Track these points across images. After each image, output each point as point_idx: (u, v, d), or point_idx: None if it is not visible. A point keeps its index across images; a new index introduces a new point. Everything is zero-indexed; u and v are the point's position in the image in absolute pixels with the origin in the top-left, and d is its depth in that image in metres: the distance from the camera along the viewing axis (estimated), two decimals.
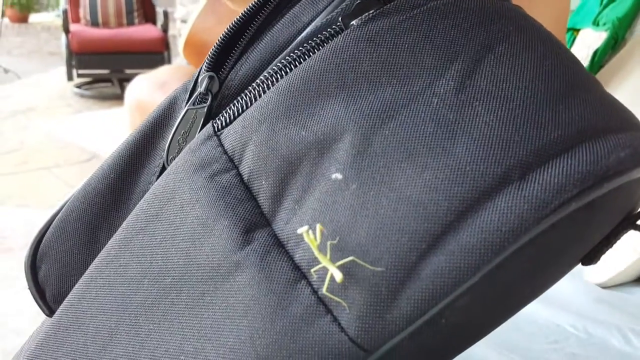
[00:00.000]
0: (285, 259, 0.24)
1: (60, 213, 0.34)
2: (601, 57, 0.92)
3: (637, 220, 0.26)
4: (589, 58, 0.93)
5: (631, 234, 0.27)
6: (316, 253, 0.23)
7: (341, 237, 0.23)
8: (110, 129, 2.99)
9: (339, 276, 0.22)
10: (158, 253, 0.28)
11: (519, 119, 0.22)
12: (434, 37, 0.25)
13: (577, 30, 1.02)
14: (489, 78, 0.23)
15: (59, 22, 4.26)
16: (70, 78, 3.77)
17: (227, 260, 0.25)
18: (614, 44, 0.90)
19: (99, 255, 0.31)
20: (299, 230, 0.23)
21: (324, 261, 0.23)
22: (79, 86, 3.85)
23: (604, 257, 0.27)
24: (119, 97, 3.30)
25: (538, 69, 0.23)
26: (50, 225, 0.35)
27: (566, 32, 0.76)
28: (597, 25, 0.95)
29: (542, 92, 0.23)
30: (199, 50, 0.74)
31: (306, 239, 0.23)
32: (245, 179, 0.27)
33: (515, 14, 0.26)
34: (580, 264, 0.28)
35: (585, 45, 0.97)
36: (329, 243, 0.23)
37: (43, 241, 0.35)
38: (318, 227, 0.23)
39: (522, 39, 0.24)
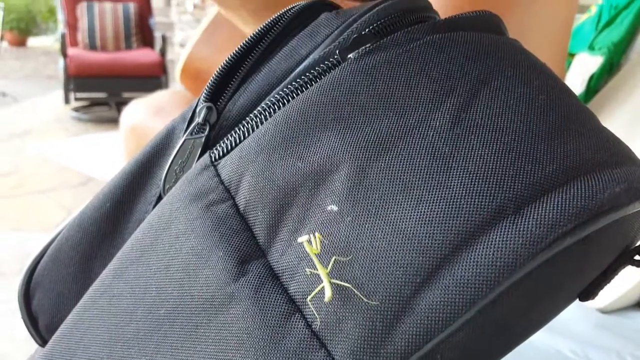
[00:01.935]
0: (280, 291, 0.24)
1: (55, 241, 0.34)
2: (597, 82, 0.92)
3: (634, 255, 0.25)
4: (585, 83, 0.94)
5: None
6: (316, 262, 0.23)
7: (336, 270, 0.23)
8: (107, 152, 3.00)
9: (328, 294, 0.22)
10: (152, 284, 0.28)
11: (513, 153, 0.22)
12: (430, 71, 0.25)
13: (573, 55, 1.03)
14: (484, 112, 0.23)
15: (58, 45, 4.29)
16: (67, 101, 3.79)
17: (222, 291, 0.25)
18: (609, 69, 0.91)
19: (93, 284, 0.31)
20: (300, 239, 0.24)
21: (322, 272, 0.23)
22: (76, 109, 3.87)
23: None
24: (115, 121, 3.31)
25: (533, 103, 0.24)
26: (44, 253, 0.35)
27: (566, 62, 0.77)
28: (593, 49, 0.96)
29: (536, 126, 0.23)
30: (195, 77, 0.75)
31: (306, 248, 0.23)
32: (241, 209, 0.27)
33: (511, 47, 0.26)
34: (578, 300, 0.27)
35: (581, 70, 0.98)
36: (334, 258, 0.23)
37: (37, 269, 0.35)
38: (317, 236, 0.23)
39: (517, 74, 0.25)
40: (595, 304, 0.86)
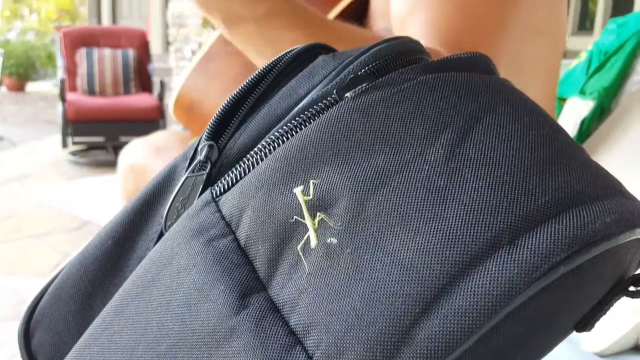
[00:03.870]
0: (281, 324, 0.24)
1: (56, 280, 0.34)
2: (589, 126, 0.94)
3: (628, 286, 0.26)
4: (577, 127, 0.96)
5: (625, 301, 0.27)
6: (305, 211, 0.25)
7: (336, 301, 0.23)
8: (103, 196, 3.00)
9: (314, 242, 0.24)
10: (153, 319, 0.28)
11: (507, 185, 0.23)
12: (424, 109, 0.26)
13: (564, 99, 1.05)
14: (477, 147, 0.24)
15: (56, 90, 4.34)
16: (65, 145, 3.81)
17: (223, 325, 0.25)
18: (600, 113, 0.93)
19: (94, 322, 0.31)
20: (295, 190, 0.26)
21: (309, 222, 0.25)
22: (73, 153, 3.89)
23: (600, 325, 0.27)
24: (113, 164, 3.32)
25: (524, 138, 0.25)
26: (45, 291, 0.35)
27: (555, 101, 0.79)
28: (584, 94, 0.98)
29: (529, 160, 0.24)
30: (189, 109, 0.75)
31: (299, 197, 0.25)
32: (242, 244, 0.27)
33: (501, 86, 0.27)
34: (575, 331, 0.28)
35: (573, 114, 1.00)
36: (319, 214, 0.25)
37: (37, 308, 0.35)
38: (312, 182, 0.26)
39: (508, 110, 0.26)
40: (593, 348, 0.86)
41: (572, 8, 4.46)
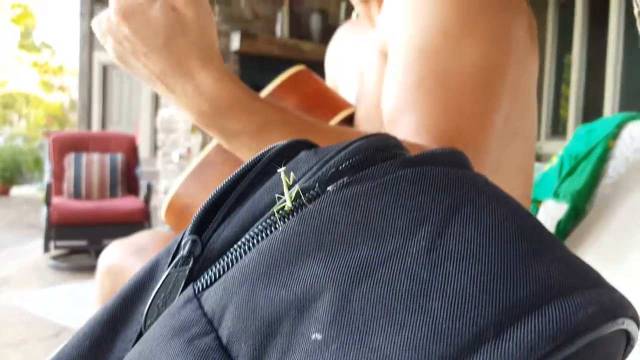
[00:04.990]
0: None
1: None
2: (565, 228, 0.95)
3: None
4: (554, 228, 0.97)
5: None
6: (285, 191, 0.29)
7: None
8: (83, 301, 2.92)
9: (288, 204, 0.28)
10: None
11: (488, 276, 0.23)
12: (404, 202, 0.27)
13: (540, 202, 1.07)
14: (457, 239, 0.25)
15: (42, 194, 4.34)
16: (46, 249, 3.75)
17: None
18: (575, 215, 0.95)
19: None
20: (279, 170, 0.30)
21: (287, 193, 0.29)
22: (54, 258, 3.82)
23: None
24: (94, 269, 3.26)
25: (502, 230, 0.25)
26: None
27: (531, 201, 0.80)
28: (558, 197, 1.01)
29: (508, 252, 0.24)
30: (181, 213, 0.75)
31: (283, 178, 0.30)
32: (224, 342, 0.26)
33: (477, 180, 0.28)
34: None
35: (548, 216, 1.02)
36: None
37: None
38: (292, 175, 0.30)
39: (484, 203, 0.26)
40: None
41: (544, 114, 4.67)
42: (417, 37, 0.60)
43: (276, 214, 0.29)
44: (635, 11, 1.19)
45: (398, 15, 0.64)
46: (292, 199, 0.29)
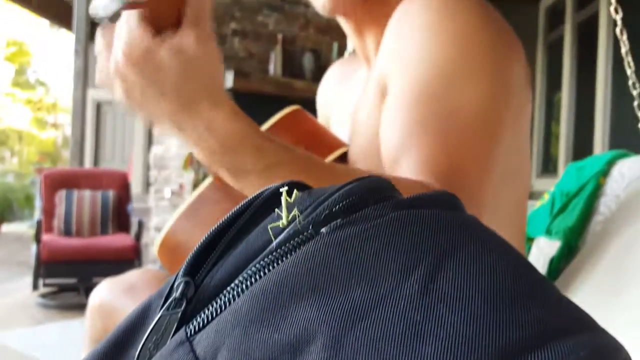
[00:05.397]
0: None
1: None
2: (558, 265, 0.95)
3: None
4: (547, 265, 0.97)
5: None
6: (284, 209, 0.29)
7: None
8: (71, 340, 2.86)
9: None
10: None
11: (481, 319, 0.23)
12: (397, 244, 0.27)
13: (532, 239, 1.08)
14: (450, 282, 0.25)
15: (32, 231, 4.30)
16: (35, 287, 3.70)
17: None
18: (568, 252, 0.95)
19: None
20: (281, 189, 0.31)
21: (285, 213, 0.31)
22: (43, 296, 3.76)
23: None
24: (83, 307, 3.21)
25: (494, 273, 0.25)
26: None
27: (525, 239, 0.81)
28: (550, 234, 1.01)
29: (500, 295, 0.24)
30: (174, 250, 0.74)
31: (283, 198, 0.31)
32: None
33: (469, 223, 0.29)
34: None
35: (541, 254, 1.02)
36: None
37: None
38: (295, 192, 0.32)
39: (477, 246, 0.27)
40: None
41: (535, 152, 4.72)
42: (419, 78, 0.61)
43: (270, 256, 0.29)
44: (623, 50, 1.22)
45: (399, 53, 0.65)
46: (286, 239, 0.29)
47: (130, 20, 0.53)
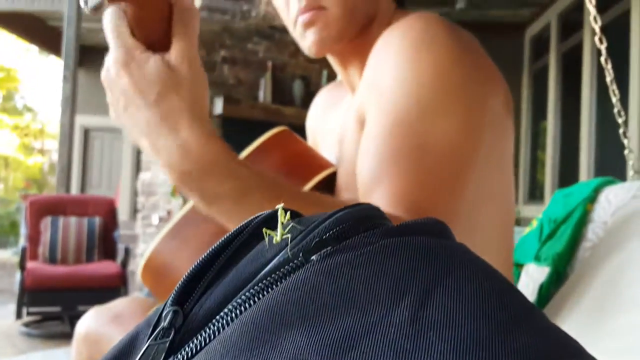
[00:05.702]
0: None
1: None
2: (547, 291, 0.96)
3: None
4: (536, 292, 0.97)
5: None
6: (279, 233, 0.30)
7: None
8: None
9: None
10: None
11: (471, 347, 0.23)
12: (387, 271, 0.27)
13: (521, 265, 1.08)
14: (439, 309, 0.25)
15: (16, 259, 4.24)
16: (19, 316, 3.63)
17: None
18: (557, 278, 0.95)
19: None
20: (278, 206, 0.32)
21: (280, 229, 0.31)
22: (26, 324, 3.69)
23: None
24: (67, 336, 3.15)
25: (483, 301, 0.25)
26: None
27: (512, 262, 0.81)
28: (539, 260, 1.01)
29: (489, 323, 0.24)
30: (157, 271, 0.74)
31: (280, 214, 0.31)
32: None
33: (458, 250, 0.29)
34: None
35: (530, 280, 1.02)
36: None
37: None
38: (287, 218, 0.32)
39: (466, 273, 0.27)
40: None
41: (522, 179, 4.76)
42: (394, 110, 0.62)
43: (260, 284, 0.29)
44: (608, 79, 1.24)
45: (376, 84, 0.66)
46: (276, 267, 0.29)
47: (122, 32, 0.55)
